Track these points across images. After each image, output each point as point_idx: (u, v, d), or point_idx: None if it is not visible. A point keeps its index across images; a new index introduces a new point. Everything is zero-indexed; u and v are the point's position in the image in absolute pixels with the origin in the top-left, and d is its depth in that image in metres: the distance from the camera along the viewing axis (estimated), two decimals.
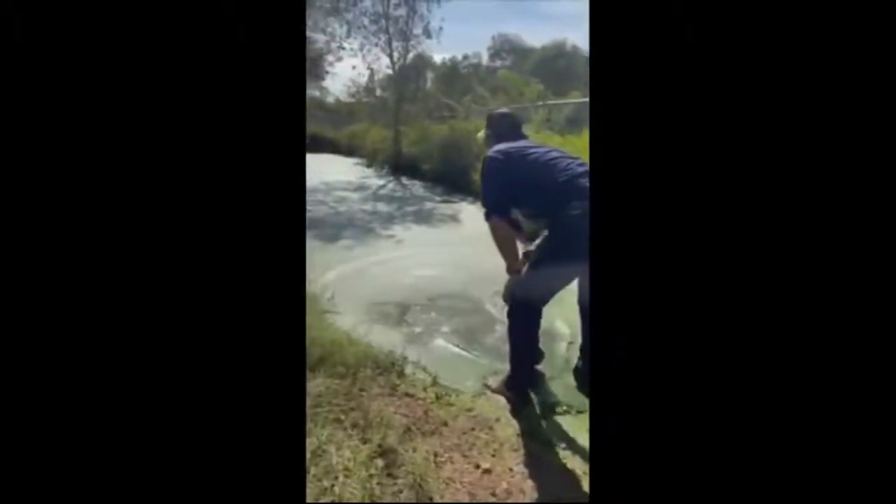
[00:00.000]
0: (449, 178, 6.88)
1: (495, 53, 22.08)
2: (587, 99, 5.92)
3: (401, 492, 1.09)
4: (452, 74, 17.67)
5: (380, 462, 1.17)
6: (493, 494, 1.16)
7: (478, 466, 1.25)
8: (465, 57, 20.34)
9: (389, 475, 1.14)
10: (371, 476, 1.12)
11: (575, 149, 4.63)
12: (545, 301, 1.55)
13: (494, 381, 1.69)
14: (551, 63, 17.55)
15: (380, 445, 1.22)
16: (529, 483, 1.21)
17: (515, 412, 1.53)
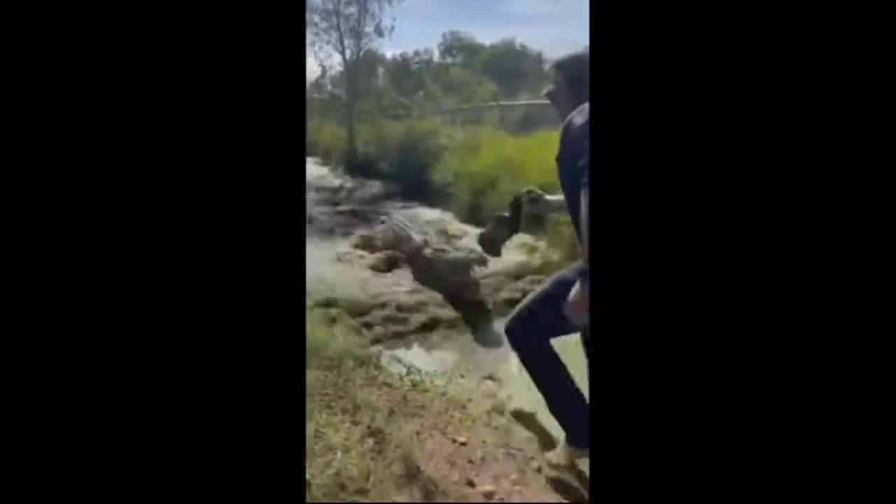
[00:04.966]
0: (406, 177, 6.99)
1: (446, 50, 22.23)
2: (538, 100, 6.22)
3: (392, 463, 1.26)
4: (403, 71, 17.66)
5: (370, 441, 1.33)
6: (471, 461, 1.36)
7: (455, 440, 1.45)
8: (416, 53, 20.36)
9: (380, 452, 1.30)
10: (365, 452, 1.28)
11: (527, 149, 4.90)
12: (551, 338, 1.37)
13: (556, 454, 1.42)
14: (501, 62, 17.93)
15: (369, 426, 1.38)
16: (501, 451, 1.42)
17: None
